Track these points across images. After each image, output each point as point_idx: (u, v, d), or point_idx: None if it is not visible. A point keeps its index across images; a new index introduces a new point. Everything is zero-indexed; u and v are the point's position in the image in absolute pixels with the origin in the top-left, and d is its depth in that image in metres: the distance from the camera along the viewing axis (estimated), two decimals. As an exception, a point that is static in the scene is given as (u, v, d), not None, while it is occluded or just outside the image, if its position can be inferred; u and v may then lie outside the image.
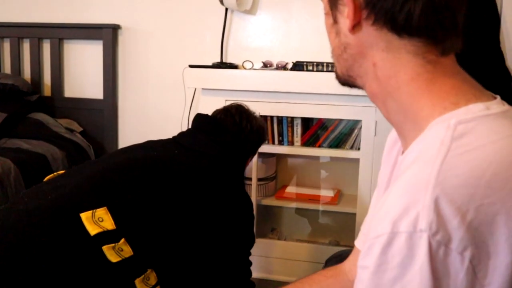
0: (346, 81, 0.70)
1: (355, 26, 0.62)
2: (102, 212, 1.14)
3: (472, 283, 0.49)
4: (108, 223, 1.13)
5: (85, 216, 1.12)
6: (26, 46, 2.76)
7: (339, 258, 1.09)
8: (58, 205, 1.16)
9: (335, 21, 0.65)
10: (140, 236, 1.17)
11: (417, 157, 0.56)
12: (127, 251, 1.13)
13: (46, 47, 2.73)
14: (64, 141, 2.41)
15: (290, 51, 2.41)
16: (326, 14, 0.68)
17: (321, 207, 2.30)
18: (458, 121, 0.55)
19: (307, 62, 2.11)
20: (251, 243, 1.54)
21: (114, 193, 1.22)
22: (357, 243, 0.93)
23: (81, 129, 2.65)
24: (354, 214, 2.14)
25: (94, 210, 1.13)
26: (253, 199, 2.21)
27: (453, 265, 0.49)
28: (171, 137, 1.57)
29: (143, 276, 1.16)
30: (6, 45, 2.78)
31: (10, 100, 2.51)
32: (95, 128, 2.69)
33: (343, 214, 2.29)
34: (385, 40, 0.61)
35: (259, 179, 2.27)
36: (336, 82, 0.73)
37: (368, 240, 0.53)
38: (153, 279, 1.18)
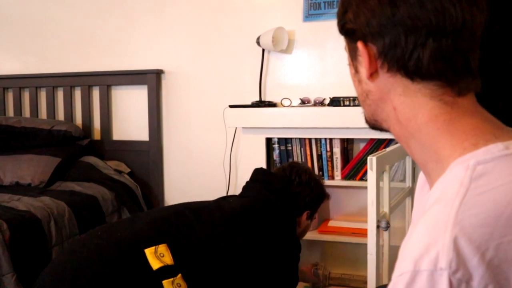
0: (374, 125, 0.74)
1: (373, 74, 0.66)
2: (163, 248, 1.31)
3: None
4: (168, 259, 1.29)
5: (149, 251, 1.29)
6: (77, 94, 2.94)
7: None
8: (127, 242, 1.33)
9: (356, 71, 0.70)
10: (194, 273, 1.32)
11: (439, 198, 0.58)
12: (183, 287, 1.27)
13: (96, 93, 2.91)
14: (113, 182, 2.53)
15: (327, 87, 2.46)
16: (348, 65, 0.73)
17: (365, 240, 2.27)
18: (477, 162, 0.57)
19: (343, 97, 2.15)
20: (295, 283, 1.65)
21: (173, 233, 1.38)
22: (394, 279, 0.94)
23: (128, 170, 2.78)
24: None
25: (157, 246, 1.31)
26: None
27: None
28: None
29: None
30: (60, 94, 2.98)
31: (63, 145, 2.68)
32: (142, 169, 2.81)
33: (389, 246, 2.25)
34: (401, 85, 0.65)
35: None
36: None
37: (392, 277, 0.56)
38: None
